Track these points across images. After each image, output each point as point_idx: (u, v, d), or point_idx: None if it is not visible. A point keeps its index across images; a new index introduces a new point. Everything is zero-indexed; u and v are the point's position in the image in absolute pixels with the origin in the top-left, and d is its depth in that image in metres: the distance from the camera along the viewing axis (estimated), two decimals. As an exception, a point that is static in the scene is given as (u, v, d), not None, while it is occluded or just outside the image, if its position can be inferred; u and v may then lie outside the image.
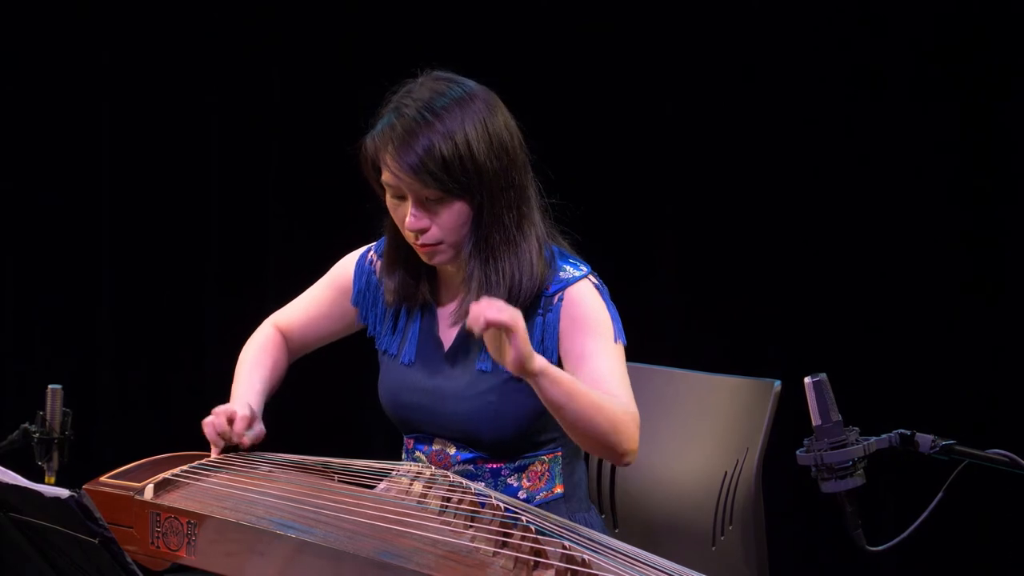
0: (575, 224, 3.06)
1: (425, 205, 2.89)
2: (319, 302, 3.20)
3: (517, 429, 2.94)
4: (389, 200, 2.94)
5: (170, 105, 5.33)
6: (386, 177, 2.90)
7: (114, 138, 5.34)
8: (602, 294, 2.95)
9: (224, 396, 5.30)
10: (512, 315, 2.59)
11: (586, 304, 2.92)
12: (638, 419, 2.84)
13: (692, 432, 3.25)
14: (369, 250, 3.16)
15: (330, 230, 5.30)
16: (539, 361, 2.68)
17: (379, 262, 3.11)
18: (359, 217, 5.23)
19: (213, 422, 3.00)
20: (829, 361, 3.26)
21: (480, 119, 2.88)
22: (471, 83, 2.95)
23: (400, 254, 3.02)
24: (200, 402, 5.34)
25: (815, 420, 2.52)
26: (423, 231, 2.90)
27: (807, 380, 2.53)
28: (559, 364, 2.90)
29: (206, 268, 5.38)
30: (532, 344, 2.80)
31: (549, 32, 5.03)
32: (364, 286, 3.13)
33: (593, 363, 2.86)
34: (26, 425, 3.40)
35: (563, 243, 3.02)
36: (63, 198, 5.34)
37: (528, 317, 2.89)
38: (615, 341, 2.90)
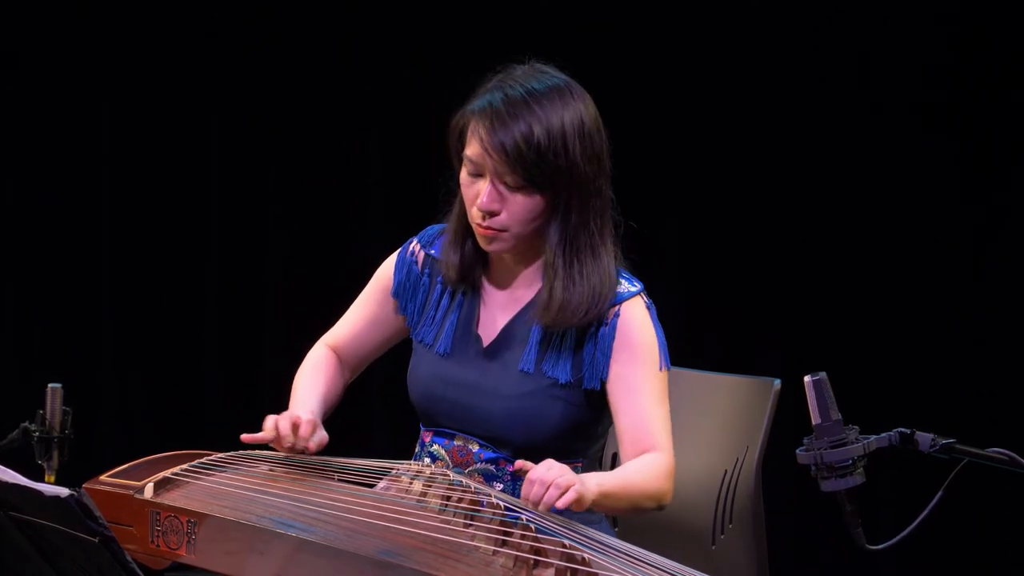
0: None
1: (504, 189, 2.85)
2: (365, 311, 3.15)
3: (550, 436, 2.91)
4: (464, 176, 2.90)
5: (170, 105, 5.33)
6: (471, 151, 2.86)
7: (114, 138, 5.34)
8: (652, 315, 2.94)
9: (223, 395, 5.33)
10: (572, 494, 2.62)
11: (641, 330, 2.91)
12: (673, 468, 2.86)
13: (692, 431, 3.25)
14: (411, 242, 3.11)
15: (330, 230, 5.31)
16: (592, 491, 2.69)
17: (421, 252, 3.06)
18: (359, 216, 5.26)
19: (278, 425, 2.93)
20: (829, 360, 3.25)
21: (578, 116, 2.87)
22: (572, 80, 2.94)
23: (470, 231, 2.96)
24: (200, 401, 5.39)
25: (815, 419, 2.52)
26: (493, 214, 2.86)
27: (807, 379, 2.53)
28: (606, 380, 2.90)
29: (206, 267, 5.38)
30: (585, 356, 2.88)
31: (548, 31, 5.03)
32: (404, 277, 3.08)
33: (639, 400, 2.87)
34: (26, 424, 3.40)
35: (621, 261, 2.99)
36: (63, 198, 5.34)
37: (582, 326, 2.90)
38: (660, 369, 2.90)
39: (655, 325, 2.93)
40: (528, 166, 2.82)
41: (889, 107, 4.81)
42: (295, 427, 2.93)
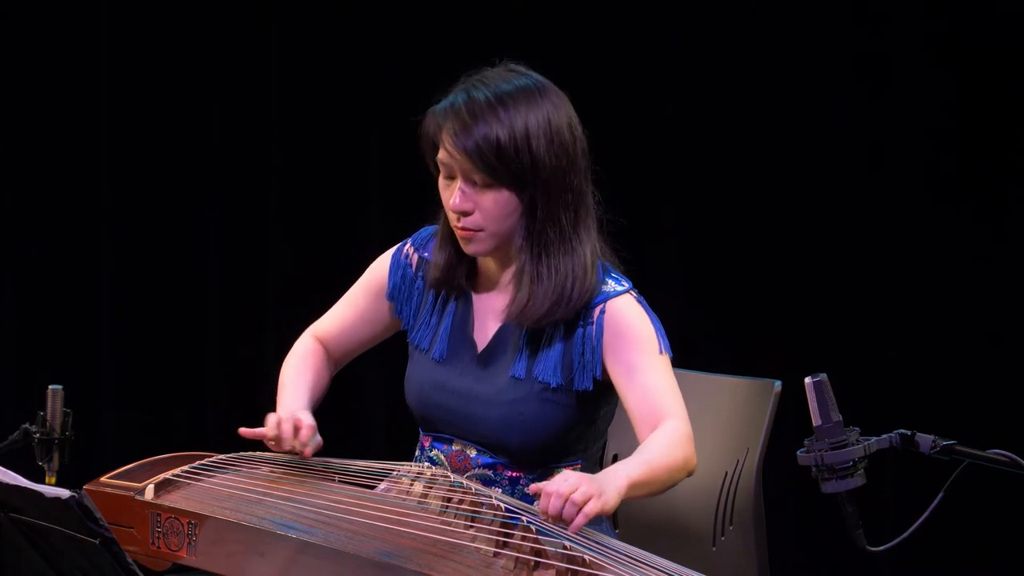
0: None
1: (473, 188, 2.86)
2: (356, 307, 3.15)
3: (545, 440, 2.90)
4: (441, 180, 2.91)
5: (171, 104, 5.33)
6: (441, 155, 2.88)
7: (114, 139, 5.34)
8: (643, 306, 2.93)
9: (222, 395, 5.34)
10: (592, 506, 2.55)
11: (629, 317, 2.90)
12: (690, 432, 2.84)
13: (692, 432, 3.24)
14: (404, 244, 3.12)
15: (330, 230, 5.31)
16: (618, 488, 2.64)
17: (415, 255, 3.07)
18: (358, 216, 5.26)
19: (281, 424, 2.93)
20: (829, 361, 3.25)
21: (544, 115, 2.86)
22: (544, 79, 2.93)
23: (452, 233, 2.96)
24: (201, 403, 5.39)
25: (816, 420, 2.52)
26: (466, 213, 2.87)
27: (807, 380, 2.53)
28: (601, 377, 2.89)
29: (207, 268, 5.38)
30: (574, 358, 2.87)
31: (546, 29, 5.03)
32: (399, 280, 3.09)
33: (642, 377, 2.86)
34: (27, 425, 3.40)
35: (612, 260, 2.99)
36: (63, 198, 5.34)
37: (569, 328, 2.90)
38: (661, 353, 2.89)
39: (648, 314, 2.92)
40: (491, 165, 2.83)
41: (889, 107, 4.81)
42: (297, 430, 2.94)
